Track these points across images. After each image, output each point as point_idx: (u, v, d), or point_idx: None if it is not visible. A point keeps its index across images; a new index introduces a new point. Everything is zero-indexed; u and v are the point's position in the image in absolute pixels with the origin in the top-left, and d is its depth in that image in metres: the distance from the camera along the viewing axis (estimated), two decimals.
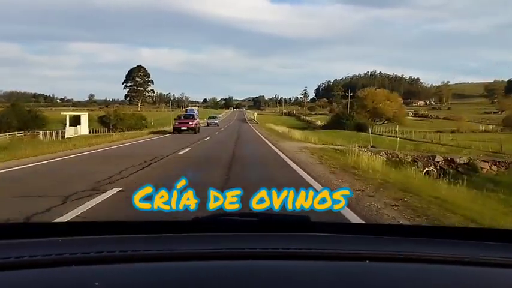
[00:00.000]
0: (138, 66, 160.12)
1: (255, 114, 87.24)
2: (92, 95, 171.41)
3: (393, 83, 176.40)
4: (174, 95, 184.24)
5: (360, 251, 1.12)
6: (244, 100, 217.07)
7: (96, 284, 0.88)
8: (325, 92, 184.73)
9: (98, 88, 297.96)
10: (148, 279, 0.94)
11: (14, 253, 1.03)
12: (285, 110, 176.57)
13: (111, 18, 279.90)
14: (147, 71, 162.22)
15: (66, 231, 1.31)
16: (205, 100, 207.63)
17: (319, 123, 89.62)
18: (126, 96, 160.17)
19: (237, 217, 1.40)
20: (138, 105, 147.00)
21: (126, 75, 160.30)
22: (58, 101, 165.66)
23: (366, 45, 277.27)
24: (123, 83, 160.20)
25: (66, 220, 4.75)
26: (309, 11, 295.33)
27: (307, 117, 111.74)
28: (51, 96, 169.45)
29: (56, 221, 4.56)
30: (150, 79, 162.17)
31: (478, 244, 1.25)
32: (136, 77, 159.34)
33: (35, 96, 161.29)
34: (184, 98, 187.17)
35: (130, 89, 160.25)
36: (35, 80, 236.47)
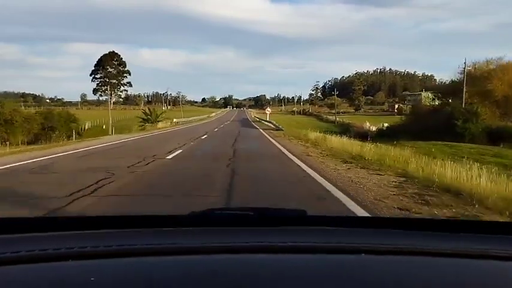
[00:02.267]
0: (111, 52, 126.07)
1: (268, 111, 51.97)
2: (84, 95, 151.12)
3: (405, 80, 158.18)
4: (170, 94, 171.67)
5: (356, 244, 1.12)
6: (244, 99, 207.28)
7: (92, 278, 0.89)
8: (333, 89, 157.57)
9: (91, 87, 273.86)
10: (144, 273, 0.94)
11: (11, 248, 1.02)
12: (295, 108, 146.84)
13: (111, 19, 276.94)
14: (122, 59, 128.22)
15: (63, 225, 1.30)
16: (203, 99, 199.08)
17: (368, 126, 56.07)
18: (94, 90, 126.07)
19: (233, 211, 1.42)
20: (119, 102, 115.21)
21: (95, 65, 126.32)
22: (47, 100, 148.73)
23: (367, 44, 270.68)
24: (91, 74, 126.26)
25: None
26: (309, 10, 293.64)
27: (334, 118, 78.03)
28: (40, 95, 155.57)
29: None
30: (125, 69, 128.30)
31: (474, 236, 1.24)
32: (108, 66, 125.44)
33: (24, 95, 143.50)
34: (180, 97, 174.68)
35: (100, 81, 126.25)
36: (35, 82, 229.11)
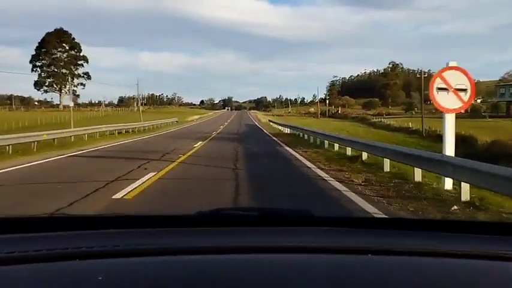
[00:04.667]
0: (57, 30, 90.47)
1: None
2: (75, 97, 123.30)
3: (420, 79, 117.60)
4: (167, 95, 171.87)
5: (362, 244, 1.11)
6: (245, 102, 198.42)
7: (100, 278, 0.89)
8: (343, 88, 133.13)
9: (93, 91, 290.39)
10: (151, 273, 0.94)
11: (18, 247, 1.03)
12: (312, 109, 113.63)
13: (112, 22, 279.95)
14: (74, 40, 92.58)
15: (70, 225, 1.30)
16: (202, 102, 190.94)
17: None
18: (36, 83, 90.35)
19: (238, 211, 1.45)
20: (94, 104, 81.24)
21: (37, 47, 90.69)
22: (36, 103, 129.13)
23: (367, 46, 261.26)
24: (30, 62, 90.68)
25: None
26: (309, 13, 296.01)
27: (421, 125, 42.94)
28: (28, 97, 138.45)
29: None
30: (81, 55, 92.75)
31: (480, 237, 1.23)
32: (54, 49, 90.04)
33: (11, 98, 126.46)
34: (176, 99, 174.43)
35: (43, 71, 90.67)
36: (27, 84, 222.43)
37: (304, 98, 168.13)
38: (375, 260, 1.04)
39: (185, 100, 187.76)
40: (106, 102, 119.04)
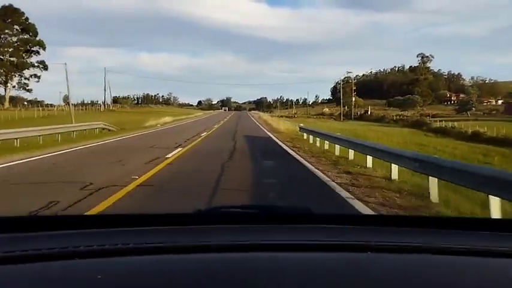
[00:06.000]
0: (5, 7, 70.21)
1: None
2: (66, 96, 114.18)
3: (429, 79, 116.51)
4: (162, 95, 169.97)
5: (362, 242, 1.10)
6: (244, 102, 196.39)
7: (99, 276, 0.89)
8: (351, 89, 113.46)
9: (91, 92, 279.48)
10: (150, 271, 0.94)
11: (19, 246, 1.03)
12: (326, 109, 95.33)
13: (111, 23, 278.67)
14: (27, 20, 72.21)
15: (69, 224, 1.30)
16: (199, 102, 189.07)
17: None
18: None
19: (238, 209, 1.44)
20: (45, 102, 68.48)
21: None
22: (25, 103, 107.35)
23: (367, 48, 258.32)
24: None
25: None
26: (308, 15, 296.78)
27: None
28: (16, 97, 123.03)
29: None
30: (37, 39, 72.53)
31: (480, 234, 1.23)
32: (1, 31, 69.83)
33: None
34: (172, 99, 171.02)
35: None
36: (37, 86, 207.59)
37: (306, 99, 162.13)
38: (375, 258, 1.03)
39: (182, 100, 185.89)
40: (100, 102, 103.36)
